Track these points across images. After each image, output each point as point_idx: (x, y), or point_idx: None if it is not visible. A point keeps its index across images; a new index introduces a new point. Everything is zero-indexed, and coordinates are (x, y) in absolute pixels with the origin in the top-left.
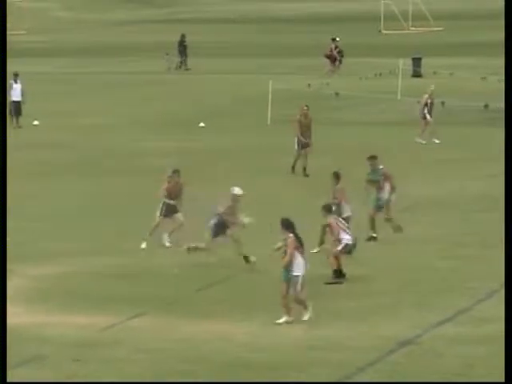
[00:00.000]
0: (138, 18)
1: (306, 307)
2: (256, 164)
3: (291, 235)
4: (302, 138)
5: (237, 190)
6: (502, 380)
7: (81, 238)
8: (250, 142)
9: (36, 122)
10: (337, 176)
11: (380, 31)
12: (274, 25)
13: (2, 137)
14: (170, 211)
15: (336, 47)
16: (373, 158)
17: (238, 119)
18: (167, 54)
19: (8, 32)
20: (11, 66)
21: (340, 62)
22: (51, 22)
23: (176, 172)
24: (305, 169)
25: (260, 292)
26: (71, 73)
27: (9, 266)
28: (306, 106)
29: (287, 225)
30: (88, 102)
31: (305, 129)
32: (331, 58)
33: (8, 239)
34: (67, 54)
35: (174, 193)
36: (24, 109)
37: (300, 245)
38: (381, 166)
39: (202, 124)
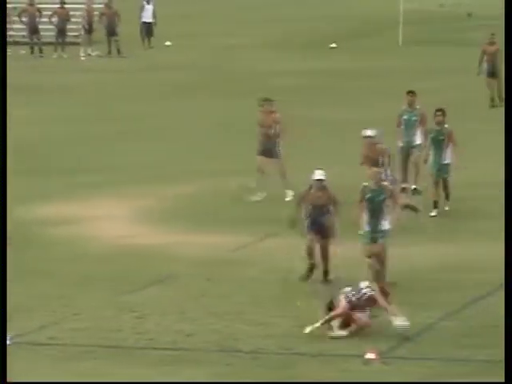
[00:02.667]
0: None
1: None
2: (388, 86)
3: None
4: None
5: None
6: None
7: (215, 159)
8: (381, 64)
9: (168, 43)
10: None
11: None
12: None
13: (2, 136)
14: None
15: None
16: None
17: (370, 40)
18: None
19: None
20: None
21: None
22: None
23: (267, 100)
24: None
25: None
26: None
27: (138, 187)
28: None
29: None
30: (220, 23)
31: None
32: None
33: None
34: None
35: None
36: (156, 30)
37: None
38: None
39: (333, 45)
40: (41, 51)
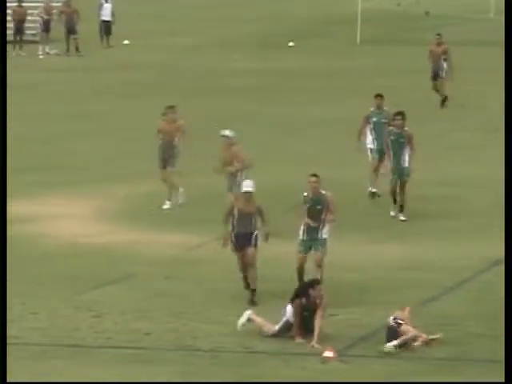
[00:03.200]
0: None
1: None
2: (344, 85)
3: None
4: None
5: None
6: None
7: None
8: (338, 63)
9: (126, 42)
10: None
11: None
12: None
13: (1, 134)
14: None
15: None
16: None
17: (328, 39)
18: None
19: None
20: None
21: None
22: None
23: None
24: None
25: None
26: None
27: (96, 186)
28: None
29: None
30: (178, 22)
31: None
32: None
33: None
34: None
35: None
36: (114, 28)
37: None
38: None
39: (291, 43)
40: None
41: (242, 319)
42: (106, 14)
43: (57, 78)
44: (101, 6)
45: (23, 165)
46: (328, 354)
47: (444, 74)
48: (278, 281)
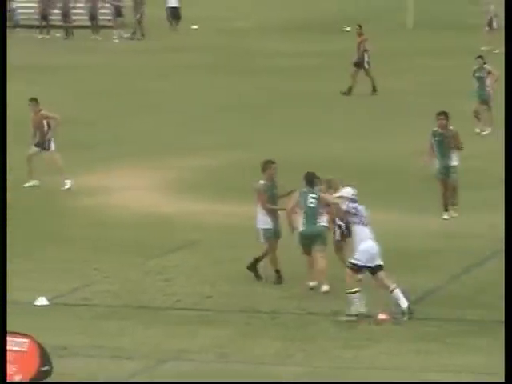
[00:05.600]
0: None
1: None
2: (396, 66)
3: None
4: None
5: None
6: None
7: (224, 133)
8: (390, 45)
9: (195, 26)
10: None
11: None
12: None
13: (2, 132)
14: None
15: None
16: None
17: (381, 23)
18: None
19: None
20: None
21: None
22: None
23: (33, 100)
24: None
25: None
26: None
27: (161, 159)
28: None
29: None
30: (238, 8)
31: None
32: None
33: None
34: None
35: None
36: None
37: None
38: None
39: (347, 28)
40: (71, 34)
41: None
42: (173, 0)
43: (127, 59)
44: None
45: (93, 139)
46: (382, 316)
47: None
48: None
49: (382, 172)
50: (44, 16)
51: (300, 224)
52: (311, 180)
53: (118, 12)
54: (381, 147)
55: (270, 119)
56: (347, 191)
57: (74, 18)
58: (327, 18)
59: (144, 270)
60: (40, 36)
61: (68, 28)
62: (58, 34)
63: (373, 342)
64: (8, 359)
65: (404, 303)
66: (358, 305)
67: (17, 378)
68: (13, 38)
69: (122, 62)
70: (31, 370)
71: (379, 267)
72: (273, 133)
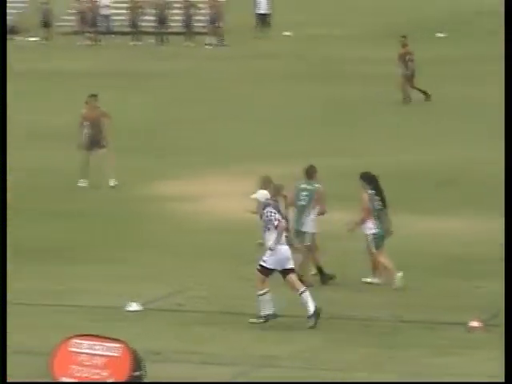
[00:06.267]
0: None
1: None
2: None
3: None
4: None
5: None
6: None
7: (313, 140)
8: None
9: (287, 33)
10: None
11: None
12: None
13: (2, 131)
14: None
15: None
16: None
17: (477, 27)
18: None
19: None
20: None
21: None
22: None
23: (93, 96)
24: None
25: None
26: None
27: (252, 166)
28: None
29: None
30: (328, 14)
31: None
32: None
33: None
34: None
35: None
36: (273, 20)
37: None
38: None
39: (440, 34)
40: (166, 40)
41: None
42: (262, 7)
43: (219, 65)
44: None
45: (182, 145)
46: (474, 323)
47: None
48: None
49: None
50: (134, 23)
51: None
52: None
53: (212, 19)
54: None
55: (362, 125)
56: (262, 194)
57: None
58: (420, 24)
59: (235, 276)
60: (132, 43)
61: (163, 34)
62: (151, 41)
63: (464, 350)
64: (100, 364)
65: (311, 307)
66: (268, 307)
67: None
68: (107, 44)
69: (213, 68)
70: (123, 374)
71: (289, 270)
72: (363, 139)
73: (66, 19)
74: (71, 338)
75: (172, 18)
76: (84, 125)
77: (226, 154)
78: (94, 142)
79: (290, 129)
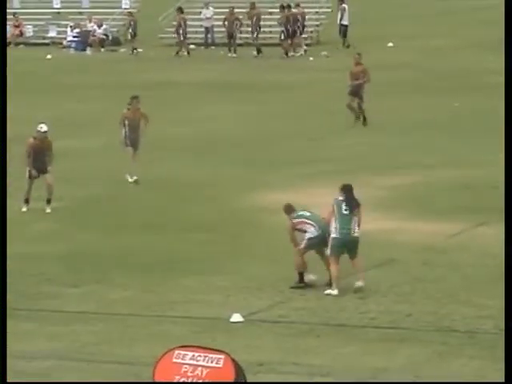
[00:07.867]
0: None
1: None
2: None
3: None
4: None
5: None
6: None
7: (426, 152)
8: None
9: (390, 44)
10: None
11: None
12: None
13: (2, 132)
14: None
15: None
16: None
17: None
18: None
19: None
20: None
21: None
22: None
23: (136, 98)
24: None
25: None
26: None
27: (360, 178)
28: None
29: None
30: (433, 25)
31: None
32: None
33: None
34: None
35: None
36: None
37: None
38: None
39: None
40: (259, 51)
41: None
42: (344, 18)
43: (320, 78)
44: (341, 10)
45: (282, 158)
46: None
47: None
48: None
49: None
50: (230, 34)
51: None
52: None
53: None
54: None
55: (474, 138)
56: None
57: (263, 35)
58: None
59: (340, 287)
60: (229, 54)
61: (257, 46)
62: (253, 52)
63: None
64: (201, 375)
65: None
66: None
67: None
68: (209, 55)
69: (323, 80)
70: None
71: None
72: (478, 151)
73: (169, 31)
74: (174, 348)
75: (266, 29)
76: (124, 124)
77: (331, 165)
78: (132, 140)
79: (400, 139)
